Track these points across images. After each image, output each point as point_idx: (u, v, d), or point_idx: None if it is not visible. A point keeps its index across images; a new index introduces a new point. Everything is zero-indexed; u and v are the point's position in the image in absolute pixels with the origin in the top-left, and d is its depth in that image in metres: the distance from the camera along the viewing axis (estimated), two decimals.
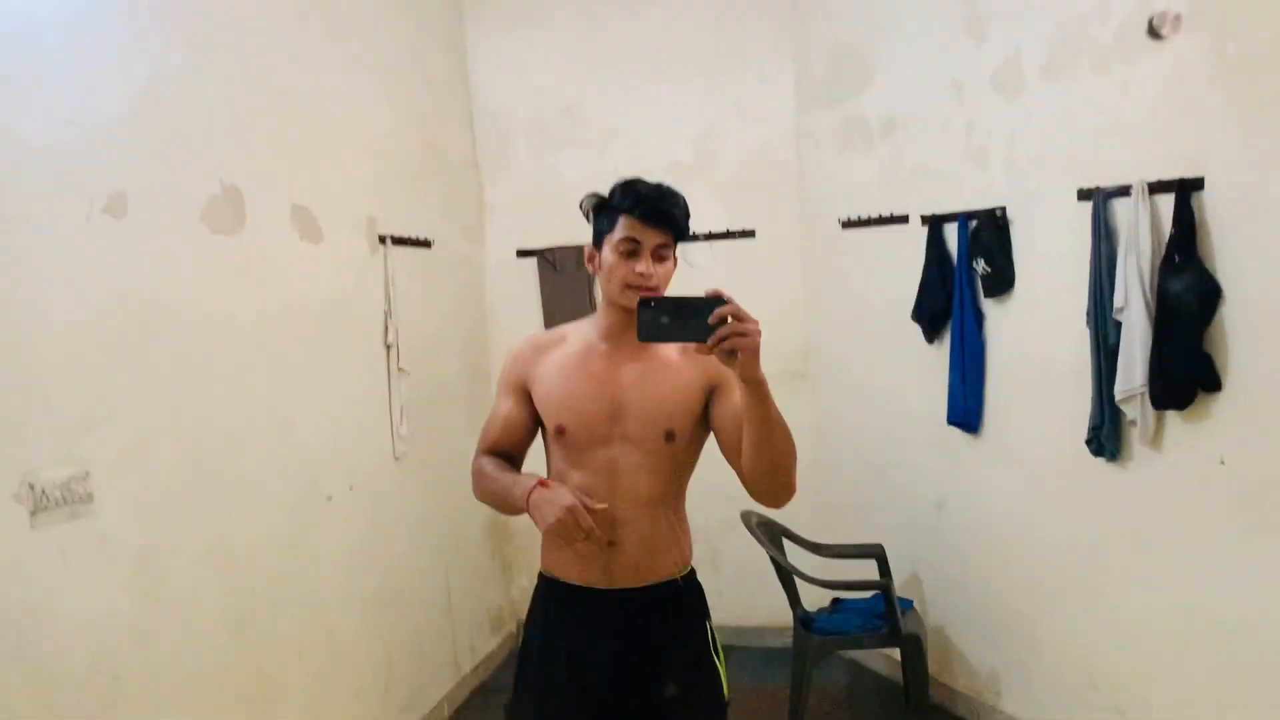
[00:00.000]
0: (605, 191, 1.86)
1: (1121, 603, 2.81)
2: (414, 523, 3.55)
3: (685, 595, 1.89)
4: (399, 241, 3.52)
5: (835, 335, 4.01)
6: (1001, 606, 3.27)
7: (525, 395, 1.93)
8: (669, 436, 1.81)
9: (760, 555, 3.61)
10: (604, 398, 1.83)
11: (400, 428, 3.48)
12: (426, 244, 3.77)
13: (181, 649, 2.37)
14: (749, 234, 4.20)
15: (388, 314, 3.44)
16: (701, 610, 1.92)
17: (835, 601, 3.56)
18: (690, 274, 4.17)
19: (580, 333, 1.93)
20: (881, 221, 3.65)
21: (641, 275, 1.75)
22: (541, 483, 1.78)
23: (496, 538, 4.33)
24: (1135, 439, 2.68)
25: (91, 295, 2.15)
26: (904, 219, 3.54)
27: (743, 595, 4.22)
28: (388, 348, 3.44)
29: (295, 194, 2.91)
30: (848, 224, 3.80)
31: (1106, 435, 2.73)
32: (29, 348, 2.01)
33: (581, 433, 1.84)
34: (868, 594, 3.49)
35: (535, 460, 1.99)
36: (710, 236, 4.21)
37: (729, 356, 1.50)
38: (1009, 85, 3.03)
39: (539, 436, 1.96)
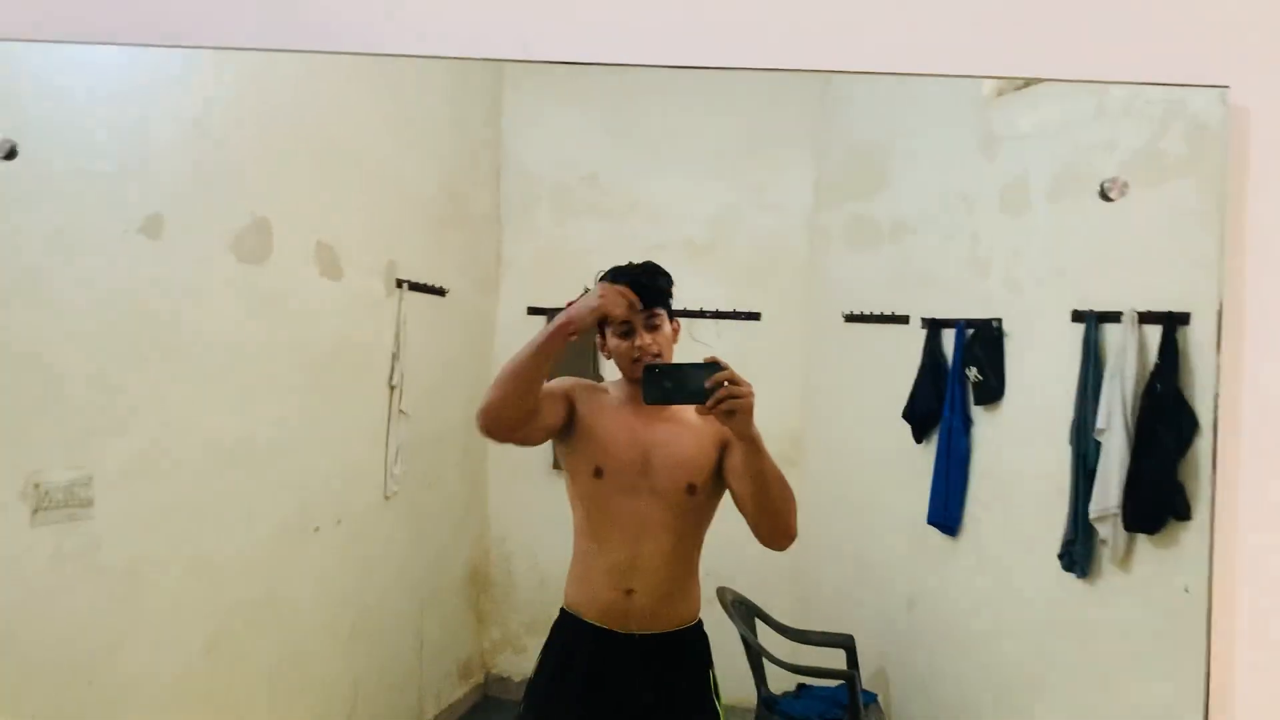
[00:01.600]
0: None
1: (1088, 715, 2.84)
2: (396, 563, 3.60)
3: (694, 643, 2.01)
4: (415, 287, 3.62)
5: (828, 424, 4.09)
6: (967, 710, 3.30)
7: (566, 406, 2.16)
8: (690, 490, 2.04)
9: (728, 634, 3.65)
10: (636, 448, 2.05)
11: (394, 468, 3.55)
12: (441, 292, 3.87)
13: (157, 662, 2.43)
14: (754, 316, 4.30)
15: (395, 356, 3.52)
16: (706, 658, 2.06)
17: (800, 687, 3.58)
18: (695, 349, 4.30)
19: (616, 390, 2.18)
20: (883, 319, 3.75)
21: (641, 349, 1.90)
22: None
23: (475, 587, 4.36)
24: (1105, 558, 2.75)
25: (117, 309, 2.25)
26: (905, 319, 3.64)
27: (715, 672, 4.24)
28: (391, 388, 3.52)
29: (321, 231, 3.03)
30: (851, 318, 3.90)
31: (1079, 551, 2.79)
32: (51, 353, 2.10)
33: (617, 478, 2.04)
34: (833, 683, 3.51)
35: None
36: (717, 315, 4.31)
37: (726, 416, 1.69)
38: (1015, 203, 3.15)
39: (563, 483, 2.11)
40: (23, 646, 2.02)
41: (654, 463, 2.01)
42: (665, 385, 1.74)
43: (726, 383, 1.68)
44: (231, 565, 2.64)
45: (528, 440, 2.14)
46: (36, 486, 2.03)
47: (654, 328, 1.95)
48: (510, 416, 1.99)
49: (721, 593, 3.54)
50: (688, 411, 2.05)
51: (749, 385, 1.68)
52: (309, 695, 3.05)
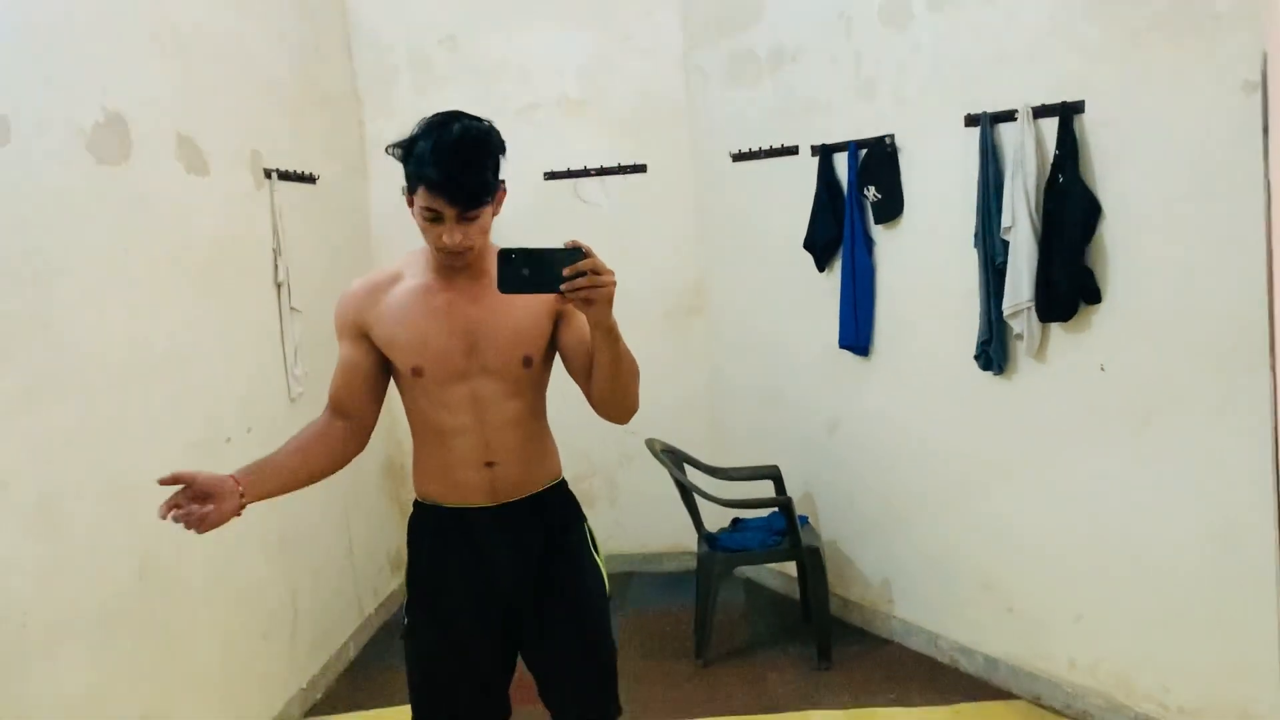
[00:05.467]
0: (412, 135, 1.75)
1: (1012, 508, 3.00)
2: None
3: (562, 499, 1.99)
4: (284, 176, 3.40)
5: (728, 268, 4.09)
6: (893, 519, 3.44)
7: (366, 340, 1.88)
8: (527, 362, 1.84)
9: (657, 484, 3.69)
10: (457, 333, 1.82)
11: (295, 369, 3.40)
12: (312, 179, 3.65)
13: (87, 594, 2.29)
14: (640, 169, 4.22)
15: (276, 251, 3.33)
16: (577, 512, 2.02)
17: (735, 521, 3.68)
18: (581, 209, 4.21)
19: (415, 269, 1.87)
20: (772, 153, 3.72)
21: (447, 245, 1.72)
22: (235, 480, 1.74)
23: (393, 479, 4.29)
24: (1021, 352, 2.85)
25: None
26: (794, 150, 3.63)
27: (641, 525, 4.31)
28: (278, 286, 3.34)
29: (180, 123, 2.79)
30: (738, 157, 3.87)
31: (994, 349, 2.89)
32: None
33: (440, 371, 1.83)
34: (765, 512, 3.61)
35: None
36: (601, 172, 4.22)
37: (585, 305, 1.58)
38: (897, 17, 3.12)
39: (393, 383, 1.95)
40: None
41: (482, 341, 1.81)
42: (522, 274, 1.57)
43: (589, 272, 1.54)
44: (149, 486, 2.48)
45: (370, 416, 1.95)
46: None
47: (468, 220, 1.72)
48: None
49: (651, 443, 3.56)
50: None
51: (611, 273, 1.56)
52: (248, 609, 2.96)
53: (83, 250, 2.35)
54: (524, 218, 3.13)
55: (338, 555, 3.70)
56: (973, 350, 2.96)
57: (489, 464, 1.86)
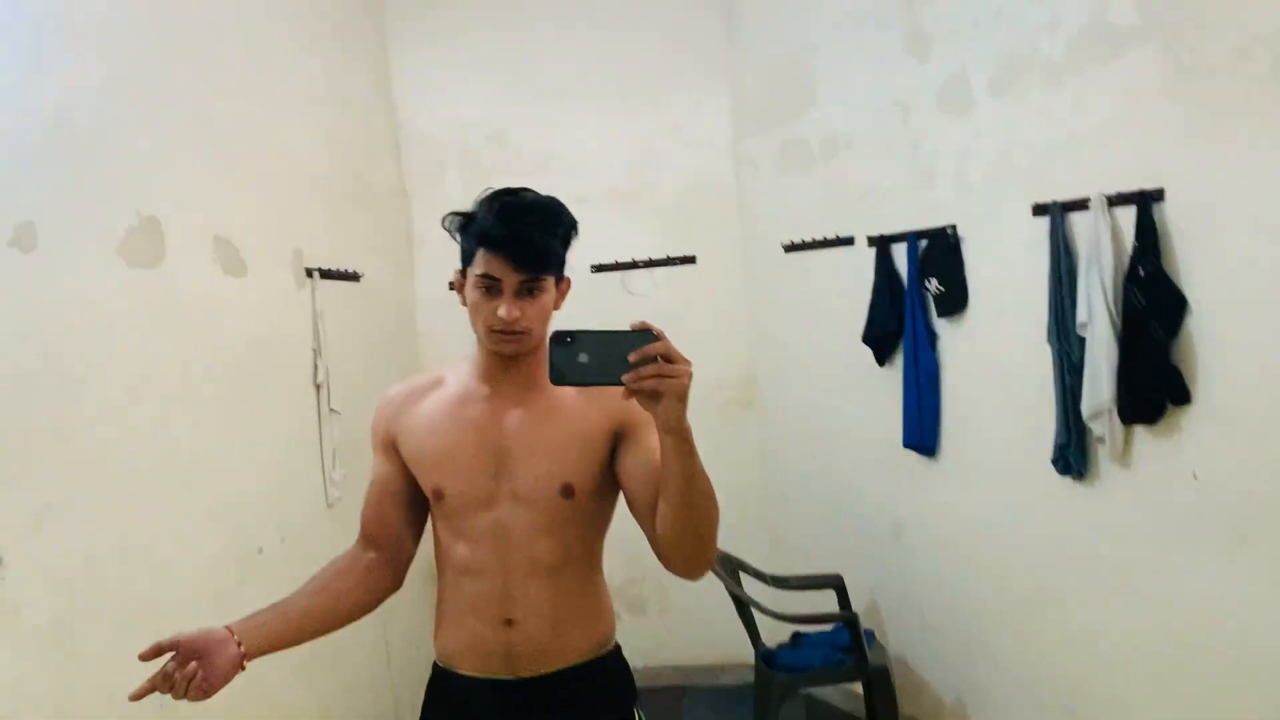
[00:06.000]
0: (476, 203, 1.56)
1: (1097, 623, 2.75)
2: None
3: (606, 679, 1.60)
4: (327, 275, 3.33)
5: (782, 361, 3.93)
6: (967, 633, 3.19)
7: (396, 454, 1.64)
8: (566, 492, 1.52)
9: (711, 591, 3.48)
10: (485, 450, 1.54)
11: (333, 473, 3.28)
12: (355, 277, 3.58)
13: None
14: (689, 260, 4.11)
15: (317, 352, 3.24)
16: (625, 695, 1.64)
17: (795, 636, 3.45)
18: (630, 303, 4.09)
19: (458, 374, 1.63)
20: (826, 244, 3.59)
21: (503, 320, 1.45)
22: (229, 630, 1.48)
23: (433, 584, 4.12)
24: (1103, 456, 2.63)
25: None
26: (849, 241, 3.49)
27: (694, 634, 4.09)
28: (317, 387, 3.24)
29: (217, 225, 2.72)
30: (791, 247, 3.73)
31: (1073, 453, 2.68)
32: None
33: (462, 494, 1.55)
34: (828, 627, 3.38)
35: None
36: (650, 263, 4.11)
37: (650, 400, 1.25)
38: (956, 103, 3.00)
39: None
40: None
41: (513, 462, 1.52)
42: (579, 360, 1.26)
43: (659, 358, 1.23)
44: (173, 604, 2.36)
45: (405, 546, 1.70)
46: None
47: (529, 293, 1.47)
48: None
49: None
50: (563, 390, 1.50)
51: (688, 363, 1.24)
52: None
53: (109, 357, 2.26)
54: (570, 312, 3.00)
55: (375, 669, 3.53)
56: (1049, 453, 2.75)
57: (507, 621, 1.52)
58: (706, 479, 1.37)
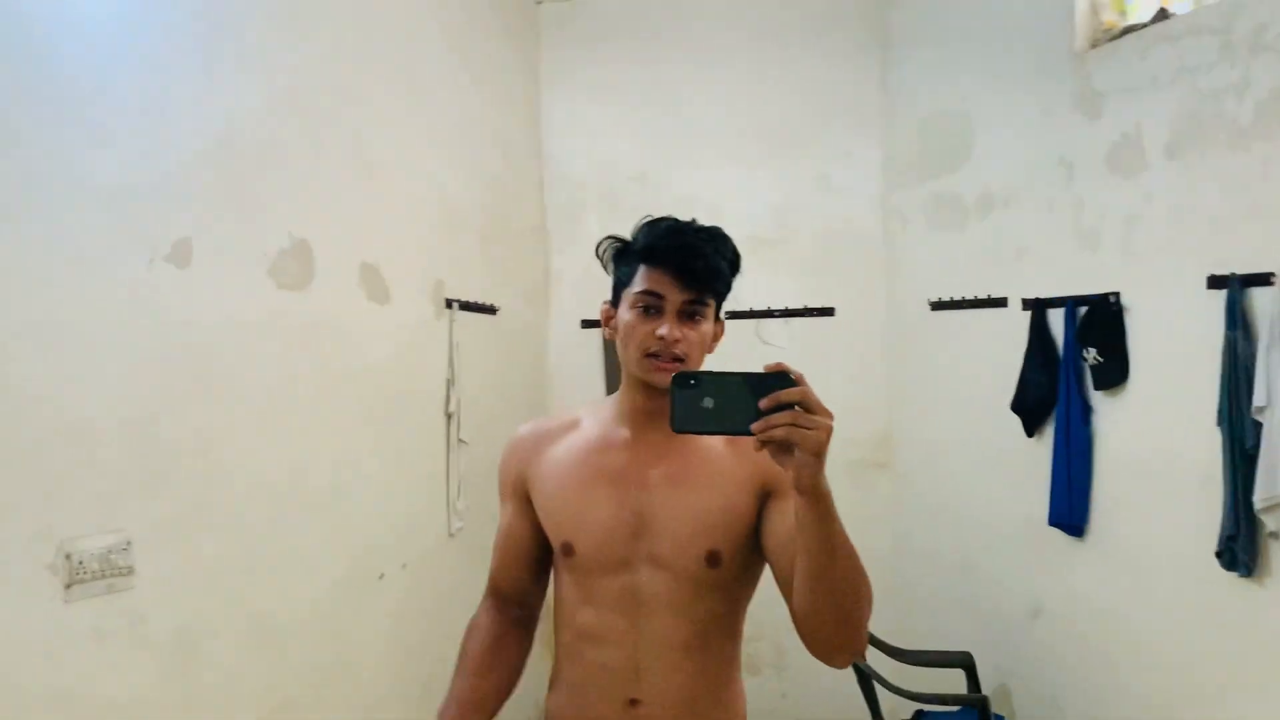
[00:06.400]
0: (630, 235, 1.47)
1: None
2: (465, 606, 3.30)
3: None
4: (466, 306, 3.36)
5: (921, 423, 3.77)
6: None
7: (527, 502, 1.52)
8: (712, 560, 1.38)
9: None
10: (625, 506, 1.40)
11: (457, 502, 3.28)
12: (492, 310, 3.60)
13: None
14: (827, 312, 4.00)
15: (450, 382, 3.26)
16: None
17: (918, 714, 3.26)
18: (764, 352, 3.99)
19: (598, 417, 1.50)
20: (976, 304, 3.43)
21: (663, 340, 1.33)
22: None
23: (548, 625, 4.08)
24: (1275, 552, 2.41)
25: (147, 347, 1.99)
26: (1002, 302, 3.32)
27: (810, 699, 3.93)
28: (448, 417, 3.26)
29: (364, 252, 2.77)
30: (938, 305, 3.59)
31: (1241, 547, 2.46)
32: (78, 399, 1.84)
33: (594, 554, 1.42)
34: (954, 708, 3.19)
35: None
36: (786, 313, 4.02)
37: (783, 453, 1.09)
38: (1127, 164, 2.83)
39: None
40: None
41: (655, 521, 1.38)
42: (704, 405, 1.13)
43: (797, 406, 1.07)
44: (292, 625, 2.38)
45: (536, 601, 1.64)
46: (68, 557, 1.76)
47: (692, 317, 1.35)
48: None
49: None
50: (712, 441, 1.39)
51: (829, 414, 1.08)
52: None
53: (252, 375, 2.30)
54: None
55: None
56: (1213, 544, 2.53)
57: (633, 701, 1.37)
58: (850, 548, 1.19)
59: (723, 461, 1.40)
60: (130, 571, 1.92)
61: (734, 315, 4.06)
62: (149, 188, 2.00)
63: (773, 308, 4.03)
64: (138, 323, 1.96)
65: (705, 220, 4.48)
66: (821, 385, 1.16)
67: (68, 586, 1.79)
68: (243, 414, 2.26)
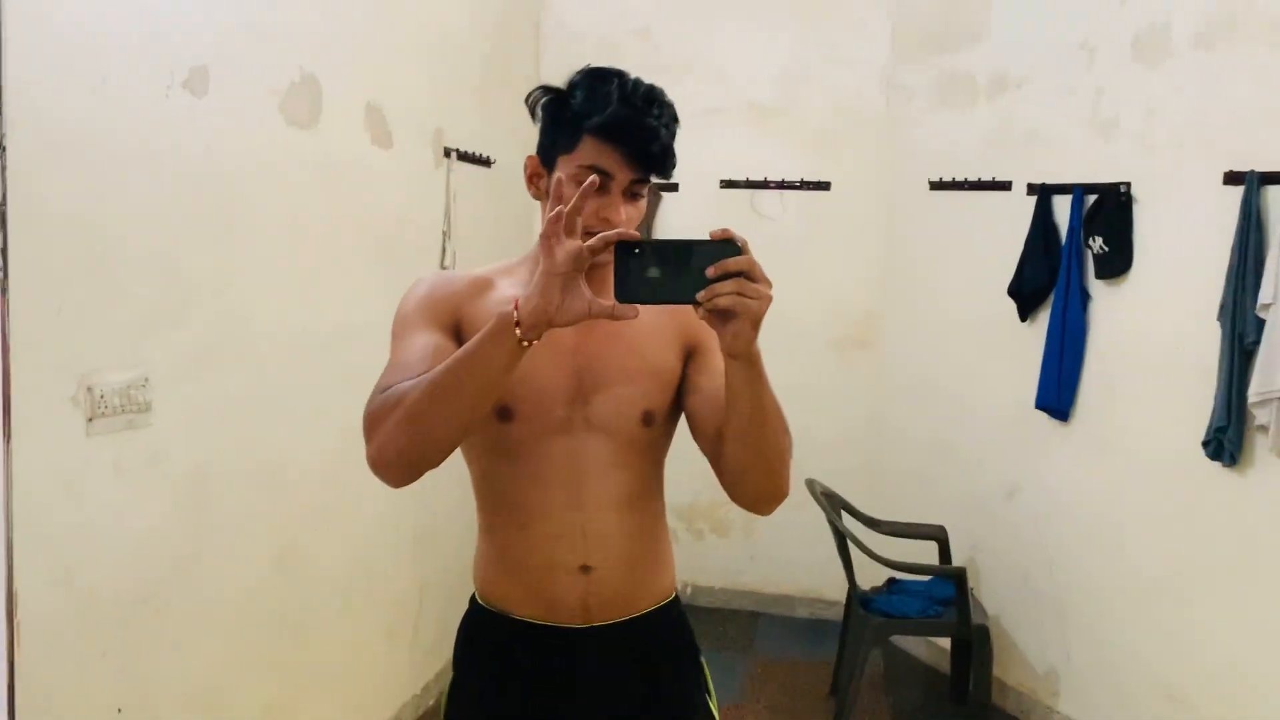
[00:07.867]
0: (564, 83, 1.34)
1: (1217, 621, 2.64)
2: (457, 458, 3.34)
3: (676, 625, 1.45)
4: (463, 157, 3.27)
5: (910, 302, 3.80)
6: (1071, 606, 3.10)
7: (458, 340, 1.31)
8: (647, 419, 1.35)
9: (796, 522, 3.37)
10: (563, 370, 1.33)
11: None
12: (488, 162, 3.51)
13: (226, 578, 2.17)
14: (824, 186, 3.96)
15: (446, 234, 3.19)
16: (693, 646, 1.48)
17: (891, 582, 3.39)
18: (756, 224, 3.96)
19: (514, 279, 1.37)
20: (979, 186, 3.42)
21: (607, 223, 1.23)
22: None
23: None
24: (1261, 445, 2.50)
25: (166, 177, 1.91)
26: (1006, 185, 3.31)
27: (775, 563, 4.05)
28: (443, 270, 3.20)
29: (370, 92, 2.67)
30: (938, 185, 3.57)
31: (1230, 438, 2.54)
32: (98, 226, 1.76)
33: (534, 417, 1.32)
34: (925, 578, 3.31)
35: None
36: (782, 185, 3.97)
37: (720, 320, 1.09)
38: (1153, 52, 2.79)
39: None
40: (85, 575, 1.73)
41: (594, 385, 1.34)
42: (649, 275, 1.10)
43: (742, 275, 1.07)
44: (299, 469, 2.36)
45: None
46: (90, 390, 1.71)
47: (634, 196, 1.30)
48: (433, 459, 1.26)
49: (811, 484, 3.29)
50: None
51: (768, 283, 1.09)
52: (376, 603, 2.82)
53: (267, 210, 2.24)
54: (694, 226, 2.91)
55: (466, 556, 3.54)
56: (1199, 434, 2.61)
57: (584, 568, 1.33)
58: (778, 406, 1.22)
59: (649, 323, 1.32)
60: (148, 408, 1.89)
61: (729, 184, 4.01)
62: (169, 9, 1.88)
63: (769, 179, 3.98)
64: (159, 150, 1.88)
65: (705, 84, 4.34)
66: (813, 262, 1.09)
67: (89, 420, 1.75)
68: (259, 249, 2.21)
